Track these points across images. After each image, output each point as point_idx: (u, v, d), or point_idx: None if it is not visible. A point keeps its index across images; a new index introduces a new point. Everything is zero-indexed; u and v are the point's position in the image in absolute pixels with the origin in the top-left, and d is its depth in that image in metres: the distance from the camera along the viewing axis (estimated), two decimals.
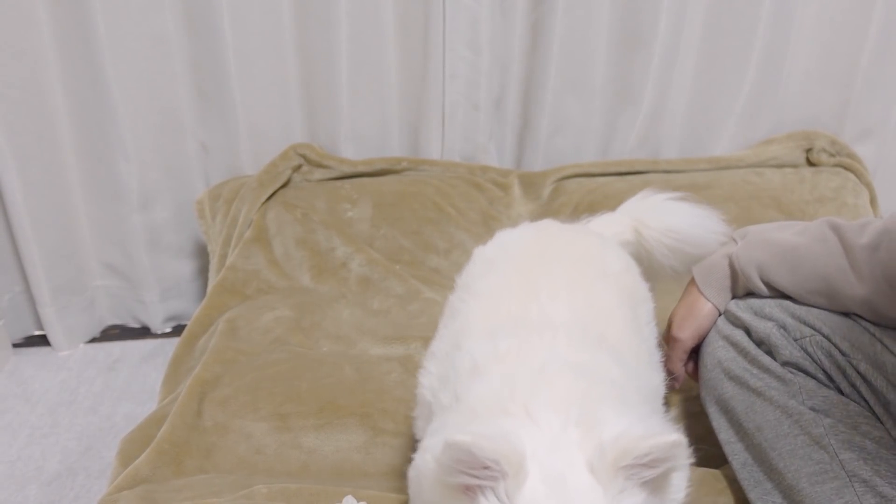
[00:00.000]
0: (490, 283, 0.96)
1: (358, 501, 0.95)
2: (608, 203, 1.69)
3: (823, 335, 0.91)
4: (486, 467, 0.60)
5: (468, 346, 0.83)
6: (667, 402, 1.20)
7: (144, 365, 1.91)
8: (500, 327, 0.85)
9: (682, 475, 0.69)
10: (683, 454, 0.63)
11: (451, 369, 0.82)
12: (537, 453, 0.63)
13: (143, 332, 2.05)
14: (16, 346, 1.98)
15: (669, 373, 1.06)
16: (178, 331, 2.04)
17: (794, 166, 1.86)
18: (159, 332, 2.04)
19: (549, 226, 1.14)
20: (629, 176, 1.81)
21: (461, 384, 0.78)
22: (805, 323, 0.93)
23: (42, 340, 1.98)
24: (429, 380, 0.89)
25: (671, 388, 1.11)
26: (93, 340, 2.02)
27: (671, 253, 1.13)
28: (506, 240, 1.09)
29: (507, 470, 0.60)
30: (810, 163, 1.87)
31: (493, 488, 0.61)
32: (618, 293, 0.96)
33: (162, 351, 1.96)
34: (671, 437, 0.61)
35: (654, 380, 0.92)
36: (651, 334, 1.01)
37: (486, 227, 1.72)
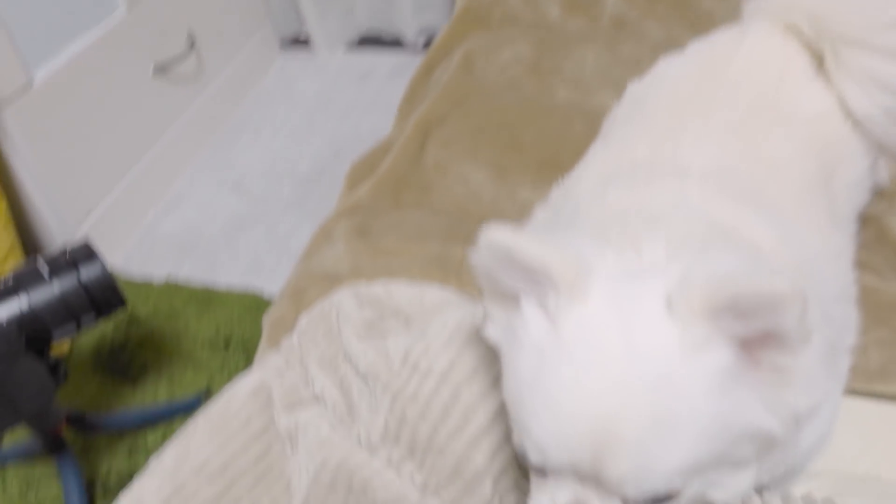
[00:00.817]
0: (631, 125, 0.78)
1: None
2: None
3: None
4: (530, 274, 0.50)
5: (576, 193, 0.70)
6: None
7: (391, 80, 1.94)
8: (618, 174, 0.69)
9: (796, 356, 0.48)
10: (794, 315, 0.44)
11: (554, 216, 0.72)
12: (612, 276, 0.51)
13: (395, 45, 2.05)
14: (283, 47, 2.09)
15: None
16: (428, 44, 2.02)
17: None
18: (411, 43, 2.04)
19: (728, 47, 0.84)
20: None
21: (559, 230, 0.66)
22: None
23: (305, 45, 2.07)
24: (533, 226, 0.77)
25: None
26: (349, 49, 2.07)
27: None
28: (665, 71, 0.86)
29: (559, 282, 0.49)
30: None
31: (538, 295, 0.51)
32: (805, 145, 0.72)
33: (409, 67, 1.96)
34: (781, 287, 0.44)
35: (840, 274, 0.69)
36: (850, 207, 0.77)
37: None
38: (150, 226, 1.66)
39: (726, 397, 0.47)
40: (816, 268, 0.52)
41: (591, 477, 0.48)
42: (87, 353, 1.35)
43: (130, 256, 1.58)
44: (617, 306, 0.49)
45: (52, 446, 1.02)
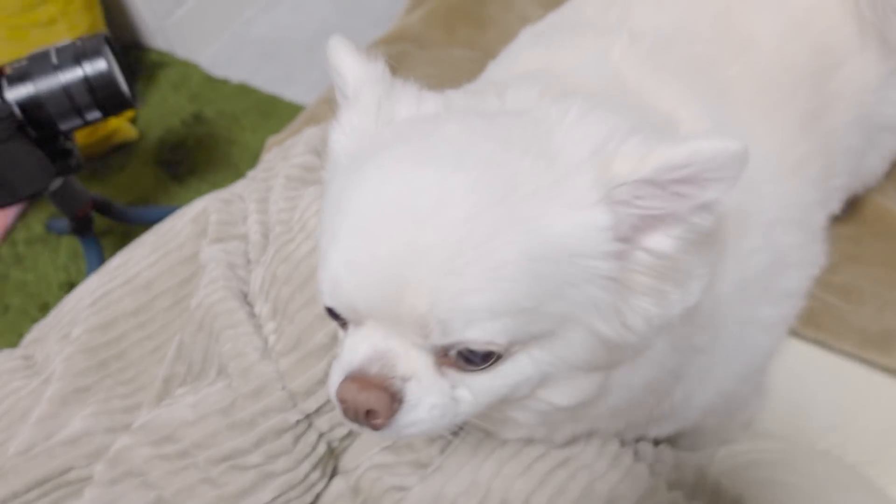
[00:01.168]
0: None
1: None
2: None
3: None
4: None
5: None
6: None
7: None
8: (543, 35, 0.58)
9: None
10: (729, 173, 0.37)
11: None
12: (443, 110, 0.45)
13: None
14: None
15: None
16: None
17: None
18: None
19: None
20: None
21: None
22: None
23: None
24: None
25: None
26: None
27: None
28: None
29: (348, 92, 0.47)
30: None
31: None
32: (796, 29, 0.58)
33: None
34: (728, 144, 0.36)
35: (793, 194, 0.56)
36: (851, 117, 0.61)
37: None
38: (242, 26, 1.63)
39: (572, 265, 0.39)
40: (754, 176, 0.40)
41: (391, 320, 0.40)
42: (152, 144, 1.39)
43: (217, 56, 1.57)
44: (449, 132, 0.42)
45: (78, 227, 1.07)
